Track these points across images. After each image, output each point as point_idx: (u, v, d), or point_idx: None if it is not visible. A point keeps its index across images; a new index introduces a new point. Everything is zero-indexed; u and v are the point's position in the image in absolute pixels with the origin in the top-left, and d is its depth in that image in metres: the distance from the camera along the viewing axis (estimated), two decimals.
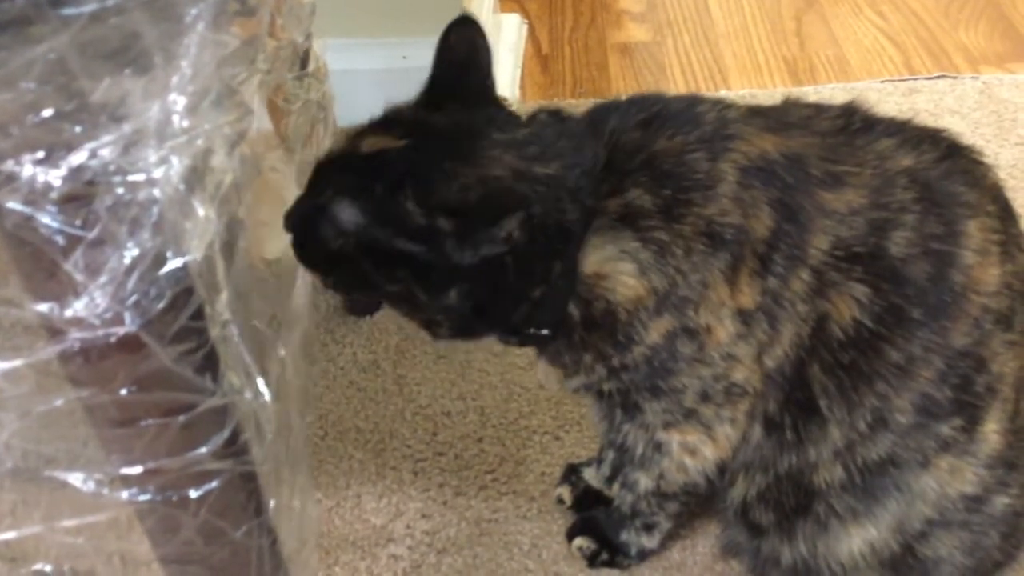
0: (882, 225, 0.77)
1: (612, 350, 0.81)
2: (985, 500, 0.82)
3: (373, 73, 1.39)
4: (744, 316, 0.78)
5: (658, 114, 0.80)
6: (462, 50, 0.82)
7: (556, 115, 0.82)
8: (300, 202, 0.79)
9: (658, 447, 0.88)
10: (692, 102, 0.82)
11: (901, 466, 0.81)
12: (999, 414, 0.81)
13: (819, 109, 0.84)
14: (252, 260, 0.65)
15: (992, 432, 0.81)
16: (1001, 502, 0.83)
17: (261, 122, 0.70)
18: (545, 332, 0.81)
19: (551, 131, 0.80)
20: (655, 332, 0.79)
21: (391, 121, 0.80)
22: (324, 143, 1.04)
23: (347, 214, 0.75)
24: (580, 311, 0.79)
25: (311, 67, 0.94)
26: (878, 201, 0.77)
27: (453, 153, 0.75)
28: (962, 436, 0.80)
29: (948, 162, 0.80)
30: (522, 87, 1.79)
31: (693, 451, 0.87)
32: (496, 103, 0.83)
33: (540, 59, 1.88)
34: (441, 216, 0.73)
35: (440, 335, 0.82)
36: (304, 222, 0.78)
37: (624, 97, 0.84)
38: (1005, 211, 0.82)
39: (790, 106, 0.85)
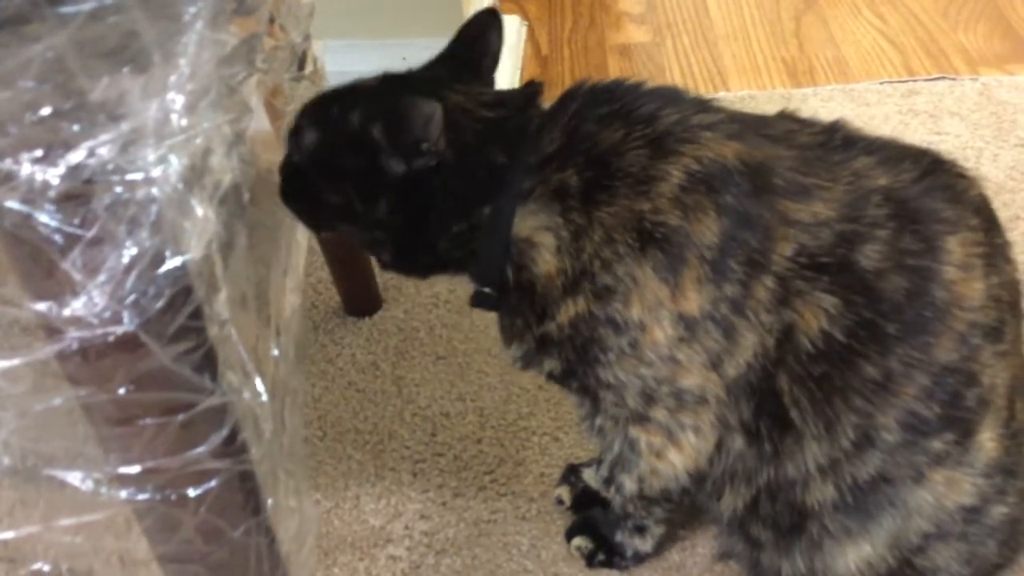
0: (851, 238, 0.76)
1: (533, 318, 0.85)
2: (983, 511, 0.82)
3: (372, 74, 1.39)
4: (687, 322, 0.78)
5: (619, 109, 0.82)
6: (474, 33, 0.90)
7: (539, 85, 0.88)
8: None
9: (631, 445, 0.88)
10: (665, 101, 0.82)
11: (894, 482, 0.80)
12: (993, 422, 0.80)
13: (804, 124, 0.85)
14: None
15: (988, 440, 0.80)
16: (999, 511, 0.82)
17: (259, 122, 0.70)
18: (488, 290, 0.86)
19: (518, 95, 0.87)
20: (565, 312, 0.82)
21: (382, 76, 0.89)
22: None
23: (308, 136, 0.84)
24: (514, 275, 0.84)
25: (308, 69, 0.94)
26: (848, 215, 0.77)
27: (412, 89, 0.85)
28: (956, 449, 0.79)
29: (928, 179, 0.80)
30: None
31: (659, 454, 0.87)
32: (485, 80, 0.90)
33: (539, 60, 1.88)
34: (375, 125, 0.80)
35: (385, 260, 0.89)
36: (288, 142, 0.87)
37: (604, 81, 0.85)
38: (990, 223, 0.82)
39: (777, 119, 0.86)
